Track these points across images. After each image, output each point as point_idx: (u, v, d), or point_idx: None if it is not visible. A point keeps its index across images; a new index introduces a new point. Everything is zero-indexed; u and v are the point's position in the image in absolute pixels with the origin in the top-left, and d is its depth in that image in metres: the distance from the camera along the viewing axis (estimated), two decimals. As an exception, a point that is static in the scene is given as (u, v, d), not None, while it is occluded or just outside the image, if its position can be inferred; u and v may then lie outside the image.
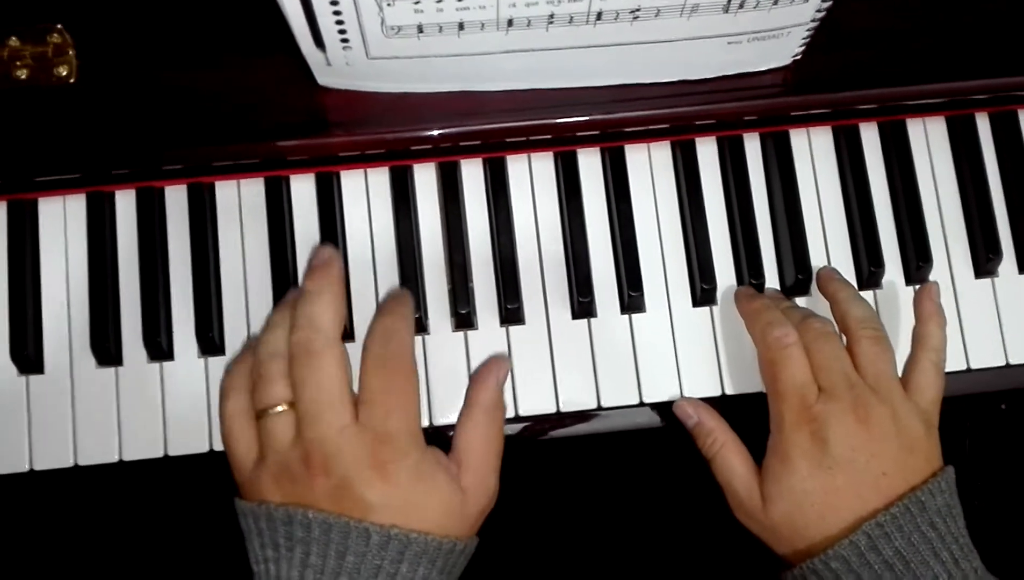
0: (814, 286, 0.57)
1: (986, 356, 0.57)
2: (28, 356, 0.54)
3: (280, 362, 0.45)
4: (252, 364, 0.46)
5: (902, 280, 0.58)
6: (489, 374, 0.50)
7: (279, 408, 0.44)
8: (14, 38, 0.53)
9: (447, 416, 0.55)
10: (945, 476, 0.48)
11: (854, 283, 0.57)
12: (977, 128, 0.59)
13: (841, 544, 0.46)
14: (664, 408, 0.56)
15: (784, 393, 0.50)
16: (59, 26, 0.54)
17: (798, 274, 0.57)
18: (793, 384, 0.50)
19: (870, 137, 0.59)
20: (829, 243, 0.58)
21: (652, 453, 0.68)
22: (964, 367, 0.57)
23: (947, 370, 0.56)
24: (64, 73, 0.53)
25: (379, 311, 0.48)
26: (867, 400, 0.49)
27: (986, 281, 0.58)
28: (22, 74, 0.53)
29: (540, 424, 0.56)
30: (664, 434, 0.56)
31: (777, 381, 0.50)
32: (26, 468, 0.54)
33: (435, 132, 0.53)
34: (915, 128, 0.59)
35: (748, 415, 0.54)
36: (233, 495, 0.49)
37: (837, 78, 0.55)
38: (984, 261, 0.57)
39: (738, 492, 0.51)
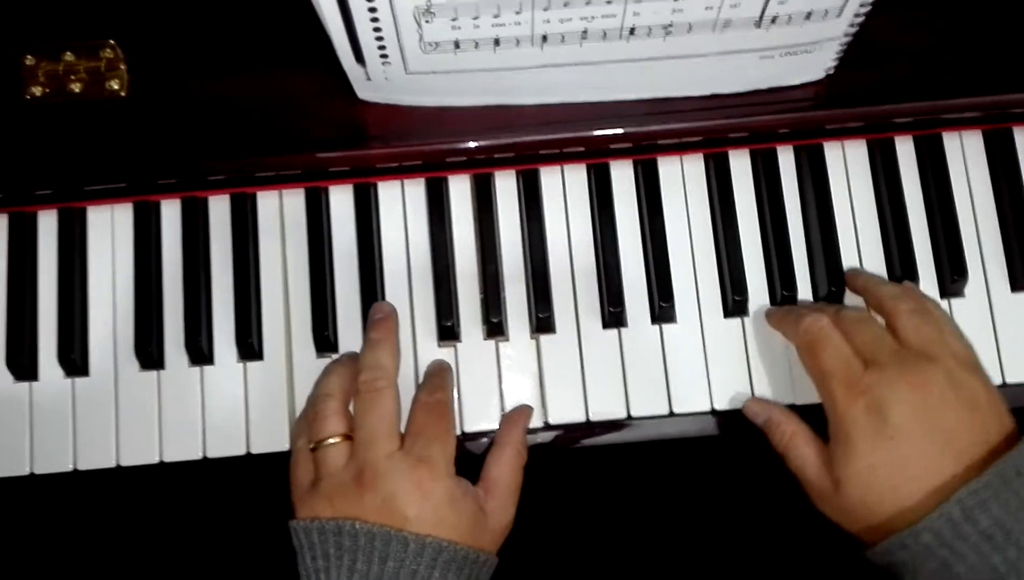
0: (847, 298, 0.57)
1: (1022, 371, 0.56)
2: (74, 360, 0.56)
3: (333, 402, 0.51)
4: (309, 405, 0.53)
5: (937, 293, 0.57)
6: (520, 418, 0.55)
7: (332, 440, 0.50)
8: (69, 53, 0.55)
9: (477, 424, 0.56)
10: None
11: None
12: (1015, 142, 0.58)
13: (931, 517, 0.44)
14: (695, 419, 0.56)
15: (830, 370, 0.49)
16: (112, 42, 0.56)
17: (831, 287, 0.56)
18: (837, 359, 0.49)
19: (905, 151, 0.59)
20: (863, 256, 0.58)
21: (681, 463, 0.68)
22: (1000, 382, 0.56)
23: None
24: (116, 87, 0.55)
25: (427, 373, 0.56)
26: (917, 364, 0.48)
27: (1022, 295, 0.57)
28: (76, 88, 0.55)
29: (570, 433, 0.56)
30: (694, 444, 0.56)
31: (820, 362, 0.50)
32: (71, 468, 0.55)
33: (471, 145, 0.54)
34: (951, 142, 0.59)
35: (795, 412, 0.53)
36: (267, 498, 0.51)
37: (871, 92, 0.55)
38: (1021, 275, 0.57)
39: (811, 479, 0.50)
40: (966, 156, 0.59)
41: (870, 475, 0.47)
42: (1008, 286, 0.57)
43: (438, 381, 0.54)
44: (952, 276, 0.56)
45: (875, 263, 0.58)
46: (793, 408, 0.55)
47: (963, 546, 0.44)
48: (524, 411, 0.55)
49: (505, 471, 0.52)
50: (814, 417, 0.52)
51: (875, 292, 0.53)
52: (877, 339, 0.50)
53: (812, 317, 0.51)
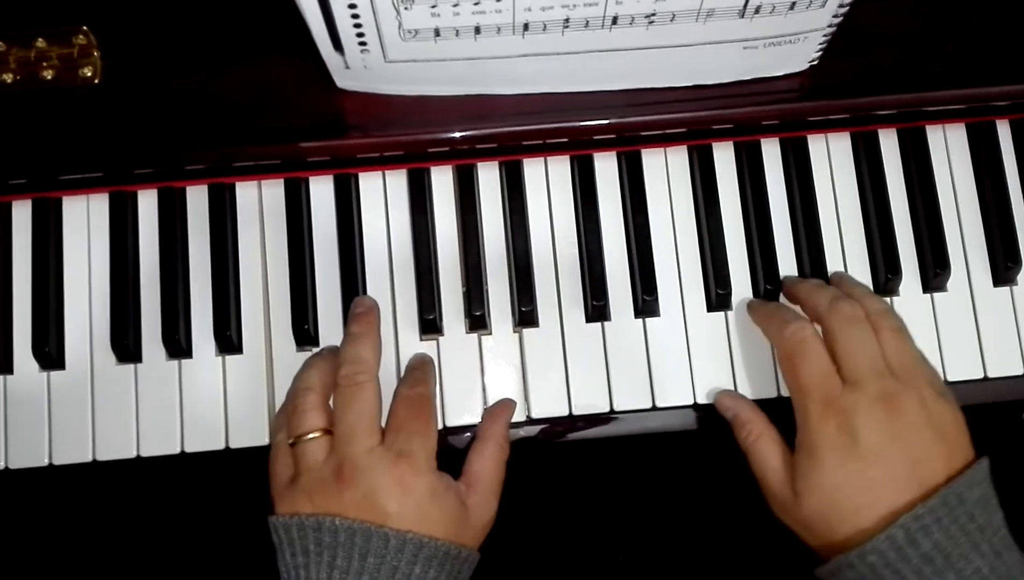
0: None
1: (1004, 365, 0.56)
2: (49, 353, 0.55)
3: (313, 396, 0.51)
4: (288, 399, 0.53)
5: (919, 287, 0.57)
6: (502, 412, 0.55)
7: (312, 434, 0.50)
8: (41, 39, 0.54)
9: (459, 418, 0.55)
10: (980, 468, 0.47)
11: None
12: (998, 135, 0.58)
13: (877, 539, 0.45)
14: (677, 413, 0.56)
15: (807, 387, 0.49)
16: (84, 28, 0.55)
17: (814, 280, 0.56)
18: (815, 376, 0.49)
19: (889, 143, 0.58)
20: (846, 249, 0.58)
21: (664, 457, 0.68)
22: (981, 376, 0.56)
23: (964, 379, 0.56)
24: (89, 74, 0.54)
25: (408, 367, 0.55)
26: (894, 389, 0.48)
27: (1005, 289, 0.57)
28: (48, 75, 0.54)
29: (553, 427, 0.56)
30: (677, 438, 0.56)
31: (798, 375, 0.50)
32: (46, 462, 0.55)
33: (452, 135, 0.54)
34: (935, 134, 0.59)
35: (764, 413, 0.53)
36: (247, 492, 0.51)
37: (855, 83, 0.55)
38: (1003, 269, 0.57)
39: (772, 486, 0.50)
40: (949, 149, 0.59)
41: (834, 494, 0.47)
42: (991, 280, 0.57)
43: (420, 374, 0.54)
44: (935, 270, 0.56)
45: (858, 256, 0.58)
46: (777, 401, 0.55)
47: (905, 568, 0.45)
48: (506, 405, 0.55)
49: (487, 466, 0.52)
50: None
51: (861, 303, 0.52)
52: (864, 348, 0.50)
53: (796, 325, 0.51)
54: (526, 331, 0.56)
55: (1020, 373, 0.56)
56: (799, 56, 0.53)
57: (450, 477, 0.51)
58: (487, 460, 0.52)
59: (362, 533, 0.46)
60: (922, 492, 0.46)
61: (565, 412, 0.55)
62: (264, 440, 0.55)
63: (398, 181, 0.58)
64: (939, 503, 0.45)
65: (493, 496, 0.52)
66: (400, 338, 0.56)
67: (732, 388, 0.56)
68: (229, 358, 0.56)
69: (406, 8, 0.45)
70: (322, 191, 0.57)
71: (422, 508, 0.48)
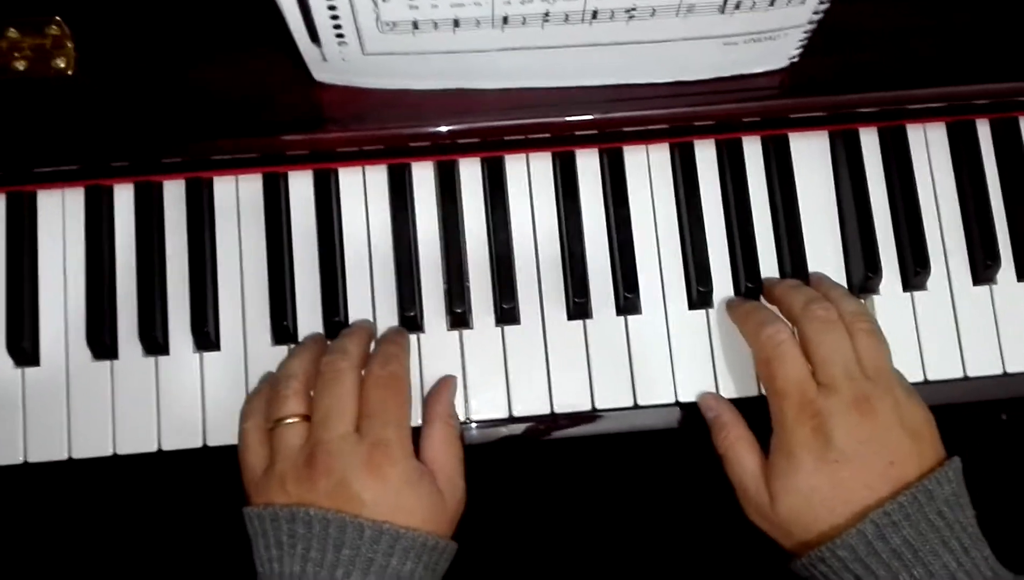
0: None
1: (984, 364, 0.56)
2: (24, 349, 0.54)
3: (295, 383, 0.50)
4: (269, 386, 0.52)
5: (899, 286, 0.57)
6: (443, 389, 0.54)
7: (290, 419, 0.49)
8: (13, 30, 0.54)
9: (440, 415, 0.55)
10: (952, 466, 0.48)
11: (851, 289, 0.56)
12: (978, 134, 0.59)
13: (848, 533, 0.46)
14: (659, 411, 0.56)
15: (783, 390, 0.50)
16: (57, 18, 0.54)
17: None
18: (791, 380, 0.50)
19: (870, 142, 0.59)
20: (827, 247, 0.58)
21: (646, 455, 0.68)
22: (961, 375, 0.56)
23: (944, 378, 0.56)
24: (62, 65, 0.54)
25: (381, 339, 0.54)
26: (868, 392, 0.49)
27: (984, 288, 0.57)
28: (20, 66, 0.53)
29: (535, 425, 0.55)
30: (658, 436, 0.56)
31: (775, 379, 0.50)
32: (20, 460, 0.54)
33: (432, 129, 0.54)
34: (915, 133, 0.59)
35: (744, 418, 0.53)
36: (225, 491, 0.50)
37: (835, 81, 0.55)
38: (983, 268, 0.57)
39: (748, 489, 0.51)
40: (930, 148, 0.59)
41: (810, 495, 0.48)
42: (970, 279, 0.58)
43: (393, 349, 0.52)
44: (915, 269, 0.57)
45: (838, 255, 0.58)
46: (757, 400, 0.55)
47: (875, 562, 0.46)
48: (445, 381, 0.55)
49: (439, 448, 0.51)
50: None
51: (837, 305, 0.53)
52: (838, 354, 0.50)
53: (772, 328, 0.51)
54: (507, 328, 0.56)
55: (1000, 372, 0.56)
56: (779, 53, 0.53)
57: (423, 464, 0.50)
58: (437, 442, 0.51)
59: (336, 524, 0.45)
60: (895, 491, 0.47)
61: (547, 410, 0.55)
62: (239, 438, 0.54)
63: (378, 176, 0.57)
64: (909, 499, 0.46)
65: (457, 475, 0.51)
66: (380, 335, 0.56)
67: (713, 386, 0.56)
68: (207, 355, 0.55)
69: (384, 0, 0.45)
70: (301, 186, 0.57)
71: (398, 497, 0.47)
